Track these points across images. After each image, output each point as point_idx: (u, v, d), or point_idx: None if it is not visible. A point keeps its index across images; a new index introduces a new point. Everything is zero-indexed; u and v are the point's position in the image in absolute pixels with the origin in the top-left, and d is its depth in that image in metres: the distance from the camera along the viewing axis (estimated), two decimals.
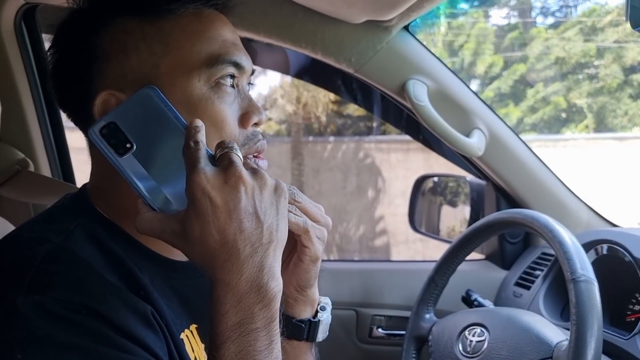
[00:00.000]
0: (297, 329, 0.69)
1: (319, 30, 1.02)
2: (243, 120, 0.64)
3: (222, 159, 0.53)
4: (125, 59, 0.61)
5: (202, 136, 0.54)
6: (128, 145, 0.53)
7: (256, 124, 0.65)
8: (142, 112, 0.54)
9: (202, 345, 0.67)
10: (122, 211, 0.64)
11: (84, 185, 0.69)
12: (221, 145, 0.55)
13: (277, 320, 0.54)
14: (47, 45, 1.20)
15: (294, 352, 0.70)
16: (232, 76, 0.64)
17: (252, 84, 0.68)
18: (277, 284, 0.53)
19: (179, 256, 0.67)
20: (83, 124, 0.65)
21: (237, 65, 0.64)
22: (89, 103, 0.62)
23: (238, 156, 0.54)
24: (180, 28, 0.62)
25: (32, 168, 1.15)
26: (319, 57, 1.06)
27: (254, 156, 0.65)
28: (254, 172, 0.54)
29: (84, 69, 0.62)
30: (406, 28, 1.09)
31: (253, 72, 0.67)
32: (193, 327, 0.66)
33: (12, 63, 1.14)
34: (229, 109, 0.63)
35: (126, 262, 0.60)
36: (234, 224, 0.52)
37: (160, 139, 0.54)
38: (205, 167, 0.52)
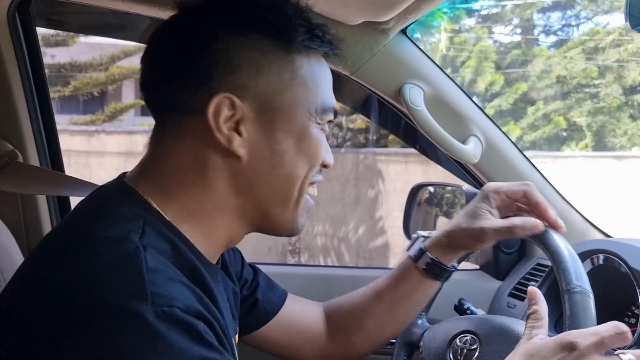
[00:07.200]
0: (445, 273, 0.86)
1: None
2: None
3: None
4: (255, 76, 0.63)
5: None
6: None
7: (325, 166, 0.71)
8: None
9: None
10: (187, 213, 0.63)
11: (123, 178, 0.65)
12: None
13: None
14: (40, 38, 1.20)
15: (430, 290, 0.88)
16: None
17: None
18: None
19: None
20: (168, 109, 0.65)
21: (335, 114, 0.69)
22: (198, 97, 0.62)
23: None
24: (310, 65, 0.66)
25: (20, 160, 1.14)
26: None
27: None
28: None
29: (202, 69, 0.62)
30: (404, 32, 1.08)
31: None
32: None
33: (5, 55, 1.13)
34: (323, 151, 0.69)
35: (195, 264, 0.60)
36: None
37: None
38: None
